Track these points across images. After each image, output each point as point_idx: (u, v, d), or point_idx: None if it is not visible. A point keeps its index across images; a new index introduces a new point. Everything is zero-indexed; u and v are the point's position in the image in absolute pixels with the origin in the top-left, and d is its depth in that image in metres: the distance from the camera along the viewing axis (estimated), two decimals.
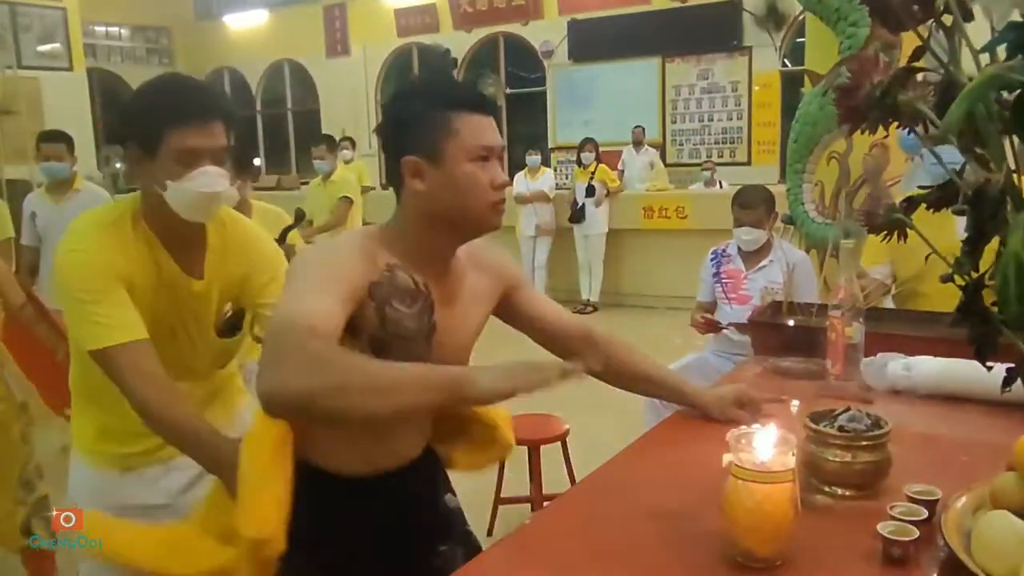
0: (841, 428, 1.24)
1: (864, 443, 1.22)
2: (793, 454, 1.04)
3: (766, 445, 1.04)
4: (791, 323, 1.96)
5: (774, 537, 1.02)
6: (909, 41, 3.46)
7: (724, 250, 3.59)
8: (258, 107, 14.81)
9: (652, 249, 7.75)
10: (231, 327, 1.77)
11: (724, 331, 3.41)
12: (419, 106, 1.34)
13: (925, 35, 0.80)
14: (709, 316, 3.45)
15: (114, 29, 14.26)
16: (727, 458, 1.06)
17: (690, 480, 1.31)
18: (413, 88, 1.42)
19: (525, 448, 3.23)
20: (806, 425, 1.25)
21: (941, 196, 0.83)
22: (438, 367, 1.22)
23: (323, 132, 11.98)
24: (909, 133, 0.82)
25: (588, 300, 7.70)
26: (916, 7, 0.71)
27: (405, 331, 1.27)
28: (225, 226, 1.77)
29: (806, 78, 3.76)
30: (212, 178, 1.58)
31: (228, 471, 1.37)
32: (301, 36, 13.56)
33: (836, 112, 3.05)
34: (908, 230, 0.90)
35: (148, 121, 1.58)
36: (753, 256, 3.49)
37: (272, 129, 14.67)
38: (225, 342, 1.83)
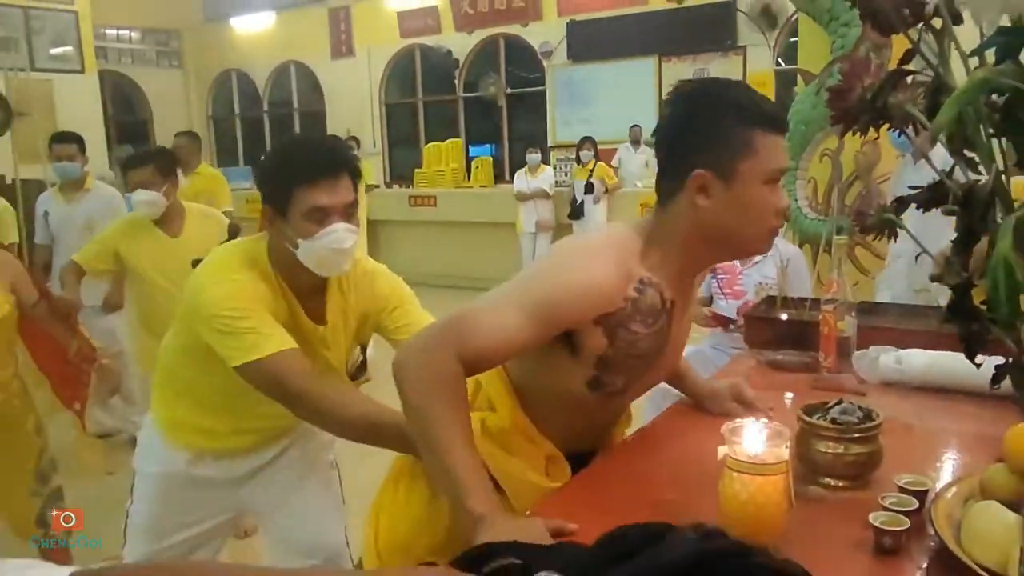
0: (834, 420, 1.23)
1: (856, 435, 1.21)
2: (787, 446, 1.04)
3: (760, 438, 1.04)
4: (784, 317, 1.96)
5: (768, 528, 1.02)
6: (899, 42, 3.46)
7: None
8: (265, 108, 14.78)
9: None
10: (361, 368, 1.80)
11: (726, 326, 3.42)
12: (720, 119, 1.22)
13: (915, 38, 0.80)
14: (718, 312, 3.44)
15: (124, 32, 14.23)
16: (722, 451, 1.06)
17: (687, 472, 1.31)
18: (712, 97, 1.26)
19: None
20: (799, 418, 1.25)
21: (931, 197, 0.82)
22: (479, 473, 1.17)
23: (328, 132, 12.01)
24: (900, 135, 0.82)
25: None
26: (906, 10, 0.71)
27: (637, 351, 1.25)
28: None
29: (799, 77, 3.75)
30: (341, 235, 1.59)
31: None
32: (307, 38, 13.54)
33: (828, 111, 3.05)
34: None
35: (277, 181, 1.61)
36: None
37: (279, 129, 14.63)
38: (357, 384, 1.89)
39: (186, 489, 1.85)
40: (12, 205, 5.17)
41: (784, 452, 1.03)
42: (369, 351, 5.85)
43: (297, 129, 14.24)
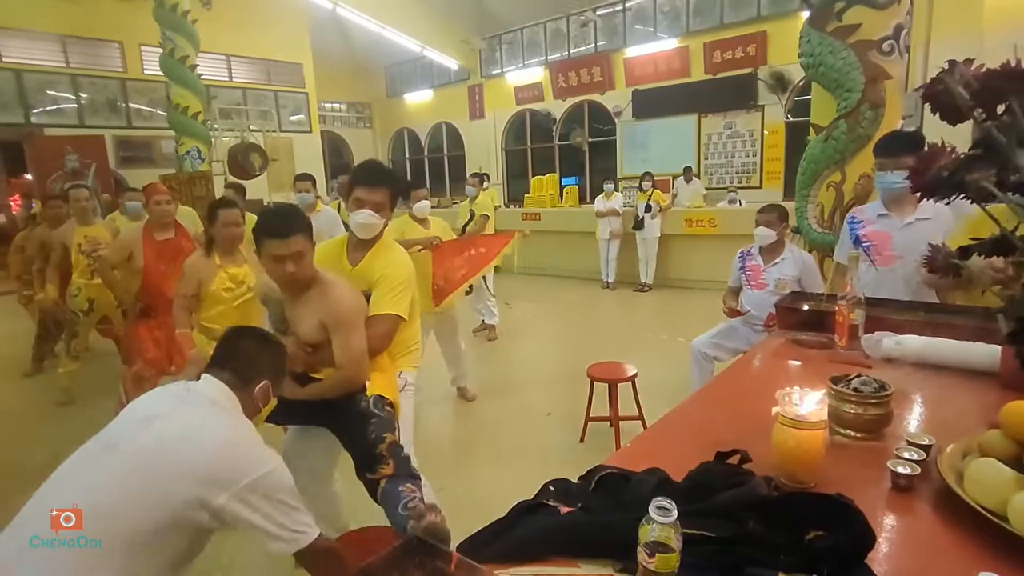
0: (855, 389, 1.16)
1: (872, 401, 1.14)
2: (826, 409, 0.98)
3: (805, 402, 0.99)
4: (806, 307, 1.84)
5: (809, 468, 0.97)
6: (891, 103, 3.15)
7: (748, 251, 3.42)
8: (425, 153, 15.12)
9: (691, 248, 7.48)
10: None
11: (746, 312, 3.27)
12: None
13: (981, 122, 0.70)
14: (734, 307, 3.30)
15: (336, 104, 14.82)
16: (775, 410, 1.01)
17: (740, 422, 1.26)
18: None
19: (606, 384, 3.21)
20: (828, 385, 1.18)
21: (995, 247, 0.73)
22: None
23: (468, 170, 12.18)
24: (972, 203, 0.72)
25: (644, 283, 7.51)
26: (980, 111, 0.63)
27: None
28: (383, 247, 1.96)
29: (811, 129, 3.50)
30: (364, 216, 1.88)
31: None
32: (453, 106, 13.73)
33: (832, 154, 2.85)
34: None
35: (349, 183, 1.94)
36: (769, 255, 3.31)
37: (434, 168, 14.96)
38: None
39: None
40: None
41: (823, 413, 0.97)
42: (495, 318, 5.80)
43: (446, 168, 14.48)
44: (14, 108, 9.36)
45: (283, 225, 1.62)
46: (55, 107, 9.77)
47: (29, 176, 9.93)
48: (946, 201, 0.68)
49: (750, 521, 0.74)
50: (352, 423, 1.66)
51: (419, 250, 3.50)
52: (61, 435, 3.63)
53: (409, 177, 15.45)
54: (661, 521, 0.67)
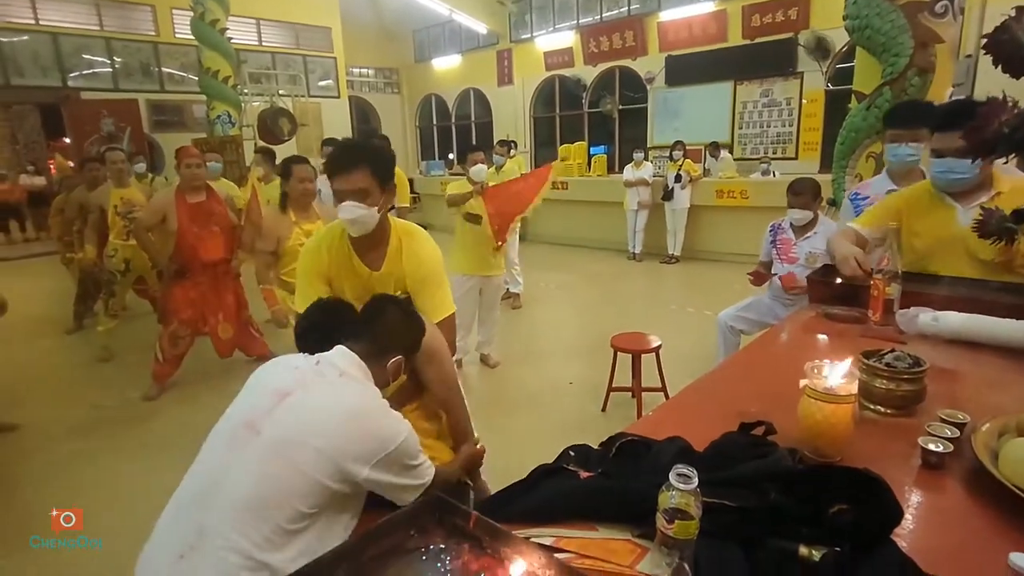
0: (888, 364, 1.12)
1: (906, 376, 1.10)
2: (856, 382, 0.95)
3: (834, 374, 0.96)
4: (839, 281, 1.78)
5: (836, 442, 0.95)
6: (942, 68, 2.99)
7: (780, 224, 3.33)
8: (453, 120, 14.97)
9: (721, 220, 7.32)
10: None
11: (774, 279, 3.21)
12: None
13: None
14: (760, 271, 3.24)
15: (364, 69, 14.70)
16: (803, 382, 0.98)
17: (766, 392, 1.23)
18: None
19: (629, 355, 3.20)
20: (859, 360, 1.15)
21: None
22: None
23: (495, 138, 12.04)
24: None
25: (672, 254, 7.40)
26: None
27: None
28: (401, 238, 1.66)
29: (853, 96, 3.35)
30: (348, 209, 1.52)
31: None
32: (481, 72, 13.50)
33: (874, 123, 2.66)
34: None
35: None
36: (801, 229, 3.22)
37: (461, 135, 14.82)
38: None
39: None
40: None
41: (853, 387, 0.94)
42: (519, 287, 5.80)
43: (474, 135, 14.35)
44: (52, 71, 9.52)
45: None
46: (91, 71, 9.90)
47: (67, 140, 10.15)
48: (1003, 161, 0.64)
49: (772, 492, 0.73)
50: None
51: (471, 200, 3.65)
52: (100, 389, 3.79)
53: (436, 145, 15.38)
54: (681, 488, 0.67)
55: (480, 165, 3.76)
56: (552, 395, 3.57)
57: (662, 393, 3.24)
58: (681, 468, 0.68)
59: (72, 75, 9.69)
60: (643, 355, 3.18)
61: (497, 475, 1.42)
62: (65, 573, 1.97)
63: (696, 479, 0.66)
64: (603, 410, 3.30)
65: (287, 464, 1.04)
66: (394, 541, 0.70)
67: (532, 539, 0.76)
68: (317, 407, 1.12)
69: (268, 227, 2.84)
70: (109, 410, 3.45)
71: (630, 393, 3.35)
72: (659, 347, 3.18)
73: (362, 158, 1.49)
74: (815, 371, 0.97)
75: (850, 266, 1.70)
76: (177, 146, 3.84)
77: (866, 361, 1.13)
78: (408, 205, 4.95)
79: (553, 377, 3.83)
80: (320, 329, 1.31)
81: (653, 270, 7.17)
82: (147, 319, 4.84)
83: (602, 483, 0.82)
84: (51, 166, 10.30)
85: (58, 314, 5.27)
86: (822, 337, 1.55)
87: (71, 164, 7.54)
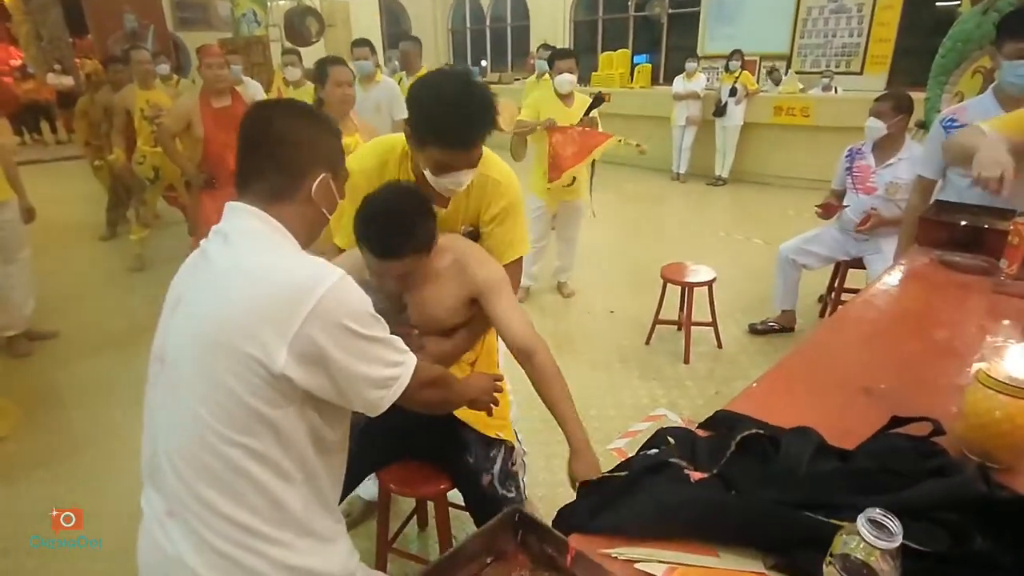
0: None
1: None
2: None
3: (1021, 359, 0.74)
4: (963, 223, 1.50)
5: (1014, 449, 0.74)
6: None
7: (859, 148, 2.97)
8: (487, 23, 14.01)
9: (777, 139, 6.78)
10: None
11: (844, 211, 2.91)
12: None
13: None
14: (830, 203, 2.93)
15: None
16: (978, 366, 0.77)
17: (889, 363, 1.02)
18: None
19: (679, 288, 2.99)
20: None
21: None
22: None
23: (532, 43, 11.24)
24: None
25: (720, 176, 6.95)
26: None
27: None
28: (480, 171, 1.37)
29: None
30: (461, 179, 1.23)
31: None
32: None
33: (990, 31, 2.16)
34: None
35: (421, 127, 1.19)
36: (883, 154, 2.87)
37: (496, 40, 13.92)
38: None
39: None
40: None
41: None
42: (566, 277, 5.39)
43: (509, 40, 13.46)
44: None
45: (388, 247, 1.15)
46: None
47: (91, 37, 9.78)
48: None
49: (976, 535, 0.54)
50: (468, 482, 1.38)
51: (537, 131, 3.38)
52: (134, 299, 3.75)
53: (469, 48, 14.52)
54: (874, 544, 0.48)
55: (567, 74, 3.36)
56: (592, 324, 3.41)
57: (712, 328, 3.05)
58: (875, 513, 0.48)
59: None
60: (696, 289, 2.97)
61: (534, 405, 1.29)
62: (65, 572, 1.80)
63: (900, 535, 0.47)
64: (647, 343, 3.14)
65: (196, 384, 0.80)
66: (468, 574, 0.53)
67: (639, 565, 0.60)
68: (204, 297, 0.84)
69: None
70: (147, 319, 3.42)
71: (676, 326, 3.18)
72: (713, 280, 2.95)
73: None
74: (998, 353, 0.75)
75: (997, 172, 1.27)
76: (201, 45, 3.56)
77: None
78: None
79: (592, 305, 3.65)
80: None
81: (698, 192, 6.76)
82: (179, 227, 4.76)
83: (726, 498, 0.65)
84: (77, 64, 10.00)
85: (92, 220, 5.22)
86: (945, 292, 1.31)
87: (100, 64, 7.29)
